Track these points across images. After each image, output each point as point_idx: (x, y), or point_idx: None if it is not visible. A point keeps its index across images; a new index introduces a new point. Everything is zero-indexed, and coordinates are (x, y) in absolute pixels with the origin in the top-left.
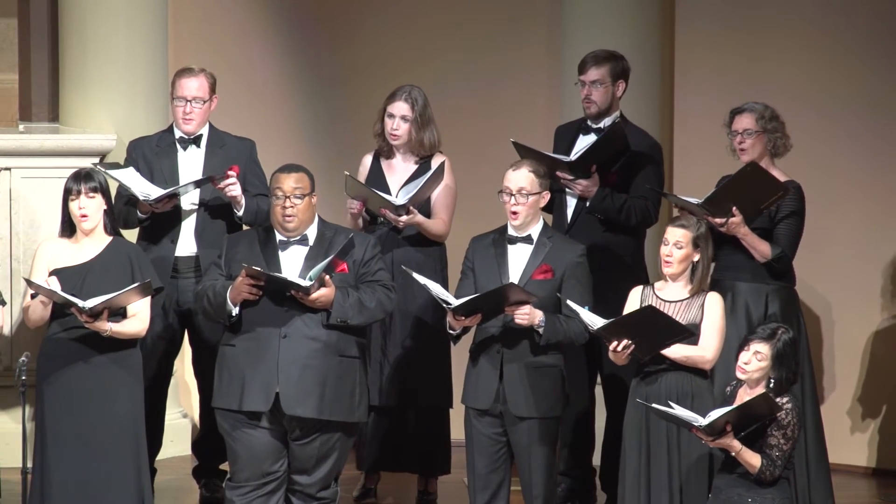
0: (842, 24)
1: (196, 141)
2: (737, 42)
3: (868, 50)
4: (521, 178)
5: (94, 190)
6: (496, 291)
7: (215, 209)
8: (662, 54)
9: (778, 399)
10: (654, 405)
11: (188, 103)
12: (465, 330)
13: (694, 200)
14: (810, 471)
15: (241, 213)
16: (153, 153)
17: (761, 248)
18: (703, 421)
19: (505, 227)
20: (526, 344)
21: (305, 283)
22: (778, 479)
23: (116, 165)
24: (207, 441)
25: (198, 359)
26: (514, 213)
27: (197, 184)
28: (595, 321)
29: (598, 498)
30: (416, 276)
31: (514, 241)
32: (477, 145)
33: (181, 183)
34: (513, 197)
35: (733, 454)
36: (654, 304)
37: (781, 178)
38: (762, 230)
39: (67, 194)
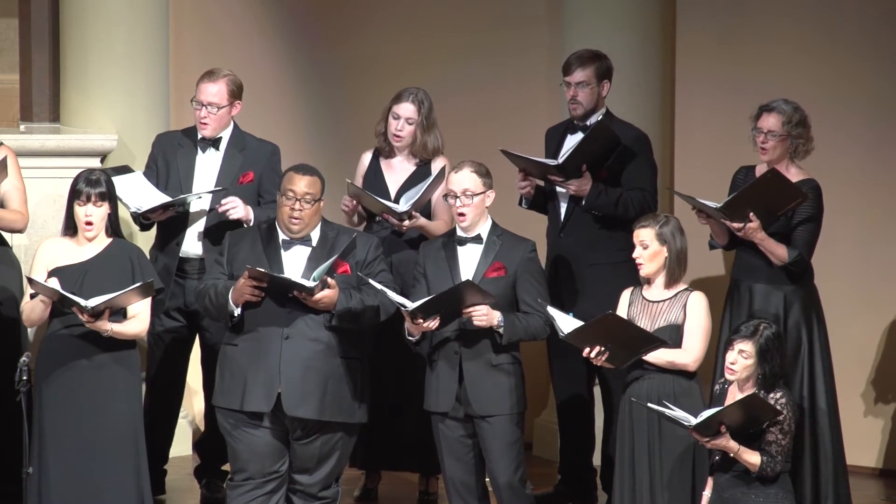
0: (844, 26)
1: (215, 143)
2: (738, 43)
3: (870, 51)
4: (465, 179)
5: (102, 197)
6: (452, 290)
7: (223, 214)
8: (663, 57)
9: (770, 395)
10: (649, 405)
11: (204, 108)
12: (424, 336)
13: (711, 204)
14: (837, 469)
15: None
16: (173, 152)
17: (778, 253)
18: (693, 421)
19: (454, 230)
20: (483, 343)
21: (309, 283)
22: (780, 474)
23: (122, 170)
24: (211, 441)
25: (206, 359)
26: (462, 214)
27: (200, 196)
28: (566, 326)
29: (598, 498)
30: (371, 281)
31: (463, 241)
32: (476, 148)
33: (195, 184)
34: (458, 199)
35: (732, 455)
36: (639, 306)
37: (800, 175)
38: (780, 234)
39: (75, 196)
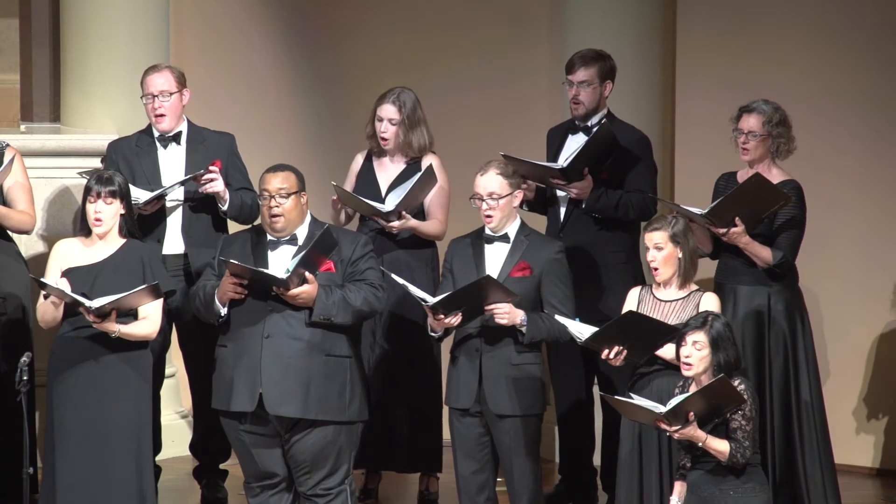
0: (845, 24)
1: (176, 138)
2: (738, 42)
3: (871, 49)
4: (490, 181)
5: (113, 195)
6: (473, 285)
7: (199, 205)
8: (664, 55)
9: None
10: (616, 397)
11: (156, 99)
12: (448, 332)
13: (696, 210)
14: (823, 466)
15: (225, 207)
16: (133, 153)
17: (763, 255)
18: (662, 409)
19: (482, 228)
20: (505, 342)
21: (282, 275)
22: (748, 461)
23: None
24: (204, 442)
25: (188, 358)
26: (489, 216)
27: (182, 183)
28: (583, 332)
29: (598, 498)
30: (393, 276)
31: (490, 240)
32: (477, 147)
33: (164, 181)
34: (484, 202)
35: (700, 445)
36: (649, 305)
37: (781, 176)
38: (763, 236)
39: (86, 193)
